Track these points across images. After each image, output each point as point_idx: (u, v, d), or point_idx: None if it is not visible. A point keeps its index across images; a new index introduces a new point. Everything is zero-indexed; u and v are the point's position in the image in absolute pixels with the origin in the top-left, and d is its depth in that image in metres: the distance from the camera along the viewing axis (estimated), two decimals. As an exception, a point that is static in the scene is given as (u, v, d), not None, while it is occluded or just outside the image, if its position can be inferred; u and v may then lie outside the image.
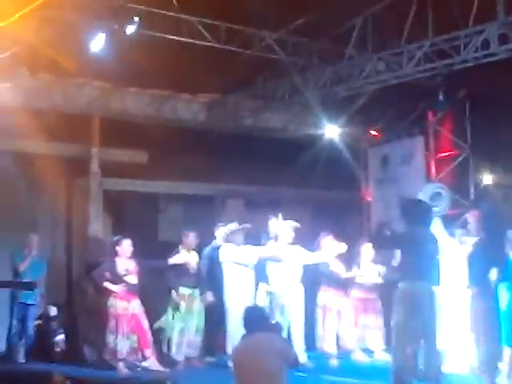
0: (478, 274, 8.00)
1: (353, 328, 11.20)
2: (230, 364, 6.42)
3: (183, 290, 10.78)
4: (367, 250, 11.21)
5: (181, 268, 10.79)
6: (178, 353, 10.63)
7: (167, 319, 10.78)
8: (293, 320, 10.38)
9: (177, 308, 10.73)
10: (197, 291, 10.86)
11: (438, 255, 7.65)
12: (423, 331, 7.33)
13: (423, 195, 10.40)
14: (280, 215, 10.55)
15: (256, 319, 6.48)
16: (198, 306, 10.86)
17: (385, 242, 8.10)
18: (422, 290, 7.35)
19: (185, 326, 10.72)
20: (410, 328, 7.29)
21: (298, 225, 10.60)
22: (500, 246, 8.26)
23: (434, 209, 9.13)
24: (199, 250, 11.06)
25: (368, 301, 11.32)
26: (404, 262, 7.64)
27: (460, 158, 12.91)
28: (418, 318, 7.28)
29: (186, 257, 10.84)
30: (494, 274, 8.10)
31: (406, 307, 7.32)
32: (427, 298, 7.40)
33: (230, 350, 10.23)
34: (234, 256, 10.54)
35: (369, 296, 11.31)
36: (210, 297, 10.93)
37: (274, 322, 7.67)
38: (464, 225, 8.70)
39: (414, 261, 7.41)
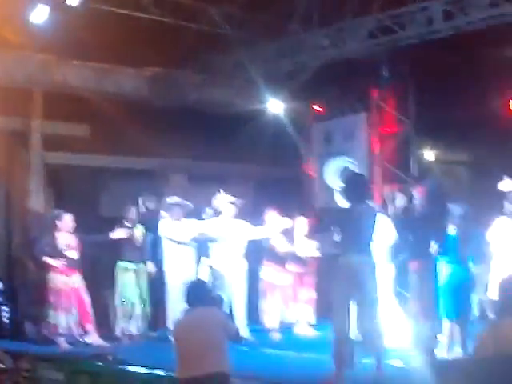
0: (419, 249, 8.08)
1: (293, 302, 11.26)
2: (172, 338, 6.40)
3: (128, 265, 10.74)
4: (302, 224, 11.20)
5: (125, 242, 10.75)
6: (123, 328, 10.60)
7: (113, 294, 10.75)
8: (235, 294, 10.41)
9: (123, 282, 10.70)
10: (142, 265, 10.83)
11: (376, 229, 7.70)
12: (363, 304, 7.38)
13: (328, 170, 10.41)
14: (221, 190, 10.55)
15: (198, 293, 6.45)
16: (143, 281, 10.83)
17: (326, 227, 8.16)
18: (361, 264, 7.40)
19: (130, 301, 10.68)
20: (350, 301, 7.36)
21: (239, 200, 10.61)
22: (441, 221, 8.36)
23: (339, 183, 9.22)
24: (146, 224, 11.01)
25: (303, 274, 11.36)
26: (344, 236, 7.69)
27: (403, 135, 13.00)
28: (357, 290, 7.34)
29: (130, 231, 10.80)
30: (433, 248, 8.22)
31: (346, 280, 7.36)
32: (367, 271, 7.45)
33: (170, 324, 10.25)
34: (169, 232, 10.53)
35: (304, 270, 11.33)
36: (151, 267, 10.93)
37: (214, 295, 7.66)
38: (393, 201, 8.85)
39: (354, 235, 7.46)
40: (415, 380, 6.89)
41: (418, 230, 8.09)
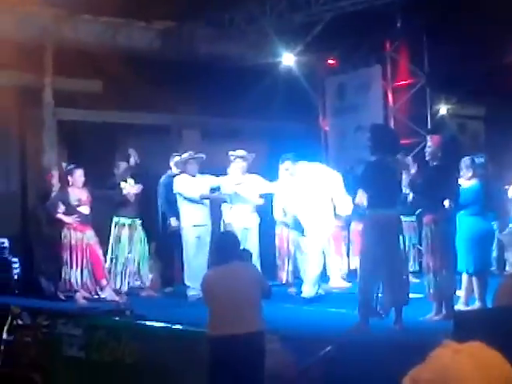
0: (433, 202, 8.02)
1: (334, 256, 11.22)
2: (195, 293, 6.26)
3: (123, 220, 10.71)
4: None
5: (119, 198, 10.72)
6: (122, 284, 10.59)
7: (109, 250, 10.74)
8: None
9: (118, 238, 10.68)
10: (137, 220, 10.78)
11: (402, 183, 7.67)
12: (389, 258, 7.38)
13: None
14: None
15: (230, 246, 6.26)
16: (139, 236, 10.79)
17: (355, 187, 8.11)
18: (388, 218, 7.38)
19: (126, 257, 10.66)
20: (377, 255, 7.35)
21: (250, 154, 10.56)
22: (455, 174, 8.29)
23: None
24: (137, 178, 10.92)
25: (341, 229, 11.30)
26: (370, 190, 7.64)
27: (417, 87, 12.87)
28: (384, 245, 7.33)
29: (124, 186, 10.75)
30: (447, 201, 8.16)
31: (373, 235, 7.36)
32: (393, 225, 7.44)
33: (187, 280, 10.25)
34: (185, 188, 10.49)
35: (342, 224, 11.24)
36: (174, 222, 10.89)
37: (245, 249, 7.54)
38: None
39: (380, 189, 7.42)
40: (434, 332, 6.89)
41: (431, 183, 8.00)
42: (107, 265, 10.56)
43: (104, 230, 10.87)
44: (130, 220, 10.74)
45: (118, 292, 10.43)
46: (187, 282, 10.30)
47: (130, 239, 10.69)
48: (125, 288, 10.59)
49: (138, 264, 10.70)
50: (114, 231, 10.72)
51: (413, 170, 8.05)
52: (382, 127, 8.16)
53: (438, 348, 1.79)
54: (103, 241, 10.66)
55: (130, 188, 10.76)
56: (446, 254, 7.88)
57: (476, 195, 8.27)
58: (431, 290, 7.94)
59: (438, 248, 7.87)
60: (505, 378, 1.74)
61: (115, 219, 10.77)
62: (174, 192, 10.67)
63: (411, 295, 8.94)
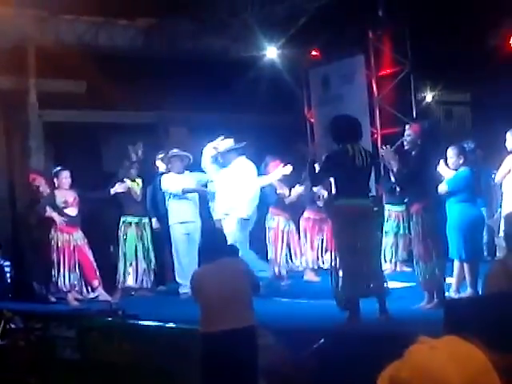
0: (417, 191, 8.02)
1: (308, 249, 11.24)
2: (186, 290, 6.29)
3: (129, 219, 10.72)
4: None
5: (125, 197, 10.72)
6: (129, 282, 10.62)
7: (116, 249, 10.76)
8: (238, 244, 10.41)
9: (125, 237, 10.69)
10: (144, 219, 10.82)
11: (369, 171, 7.64)
12: (362, 248, 7.35)
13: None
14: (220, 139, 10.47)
15: (217, 243, 6.35)
16: (146, 234, 10.81)
17: (318, 178, 8.11)
18: (357, 207, 7.36)
19: (134, 255, 10.68)
20: (352, 245, 7.33)
21: (239, 143, 10.56)
22: (435, 161, 8.27)
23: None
24: (144, 178, 10.98)
25: (322, 220, 11.31)
26: (337, 180, 7.64)
27: (401, 75, 12.86)
28: (358, 234, 7.30)
29: (129, 185, 10.75)
30: (442, 187, 8.16)
31: (345, 225, 7.33)
32: (364, 214, 7.42)
33: (178, 277, 10.25)
34: (171, 186, 10.49)
35: (322, 216, 11.23)
36: (155, 224, 10.93)
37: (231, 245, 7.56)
38: None
39: (346, 178, 7.40)
40: (424, 321, 6.91)
41: (413, 172, 7.99)
42: (120, 264, 10.58)
43: (102, 230, 10.91)
44: (137, 218, 10.75)
45: (123, 291, 10.41)
46: (178, 280, 10.31)
47: (137, 238, 10.69)
48: (133, 287, 10.60)
49: (146, 263, 10.72)
50: (121, 230, 10.73)
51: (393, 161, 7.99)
52: (341, 117, 8.10)
53: (414, 345, 1.79)
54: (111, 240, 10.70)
55: (135, 187, 10.79)
56: (434, 242, 7.88)
57: (466, 182, 8.27)
58: (422, 279, 7.96)
59: (427, 236, 7.88)
60: (482, 372, 1.74)
61: (122, 218, 10.78)
62: (162, 190, 10.68)
63: (403, 284, 8.99)
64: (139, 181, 10.89)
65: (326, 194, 10.62)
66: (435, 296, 7.85)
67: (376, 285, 7.42)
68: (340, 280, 7.44)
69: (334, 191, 7.95)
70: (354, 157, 7.40)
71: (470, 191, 8.32)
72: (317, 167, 7.90)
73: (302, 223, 11.30)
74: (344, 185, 7.46)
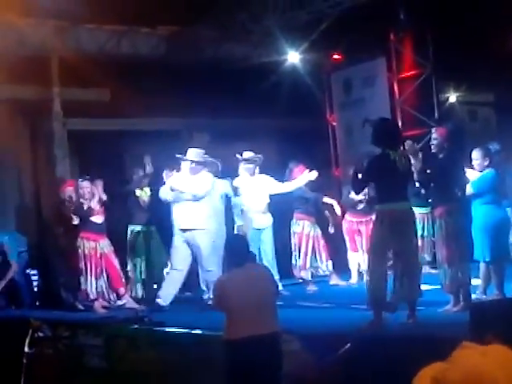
0: (443, 194, 8.00)
1: (350, 252, 11.26)
2: (217, 298, 6.27)
3: (138, 228, 10.74)
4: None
5: (133, 205, 10.76)
6: (144, 292, 10.60)
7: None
8: (262, 250, 10.44)
9: (133, 246, 10.73)
10: (151, 227, 10.80)
11: (409, 175, 7.64)
12: (401, 251, 7.39)
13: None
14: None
15: (242, 250, 6.34)
16: (155, 243, 10.79)
17: (362, 185, 8.08)
18: (397, 211, 7.37)
19: (142, 264, 10.69)
20: (387, 249, 7.37)
21: (257, 155, 10.58)
22: (462, 164, 8.24)
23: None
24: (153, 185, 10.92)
25: (362, 223, 11.28)
26: (378, 184, 7.65)
27: (422, 77, 12.83)
28: (395, 238, 7.33)
29: (139, 195, 10.79)
30: (468, 189, 8.13)
31: (383, 229, 7.35)
32: (404, 219, 7.43)
33: (203, 284, 10.23)
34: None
35: (363, 219, 11.19)
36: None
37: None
38: None
39: (388, 182, 7.41)
40: (451, 324, 6.89)
41: (439, 175, 7.98)
42: (129, 273, 10.62)
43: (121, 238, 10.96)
44: (145, 227, 10.79)
45: (137, 300, 10.48)
46: (203, 287, 10.33)
47: (146, 247, 10.74)
48: (150, 296, 10.56)
49: (159, 271, 10.75)
50: (129, 239, 10.79)
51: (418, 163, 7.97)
52: (384, 120, 8.11)
53: (460, 349, 1.84)
54: (121, 248, 10.74)
55: (143, 195, 10.83)
56: (457, 246, 7.83)
57: (491, 183, 8.23)
58: (447, 282, 7.92)
59: (449, 240, 7.85)
60: None
61: (130, 227, 10.83)
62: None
63: (429, 287, 8.95)
64: (147, 189, 10.90)
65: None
66: (461, 299, 7.82)
67: (411, 289, 7.42)
68: (373, 283, 7.45)
69: (374, 195, 7.95)
70: (395, 161, 7.42)
71: (495, 193, 8.28)
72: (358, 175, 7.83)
73: (344, 225, 11.33)
74: (386, 189, 7.47)
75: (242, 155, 10.66)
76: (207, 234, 9.74)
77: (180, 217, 9.80)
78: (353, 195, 10.80)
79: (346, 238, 11.34)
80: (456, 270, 7.77)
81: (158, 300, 9.85)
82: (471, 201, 8.21)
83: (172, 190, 9.78)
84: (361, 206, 11.11)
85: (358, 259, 11.15)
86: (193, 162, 9.86)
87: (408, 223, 7.48)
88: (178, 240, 9.85)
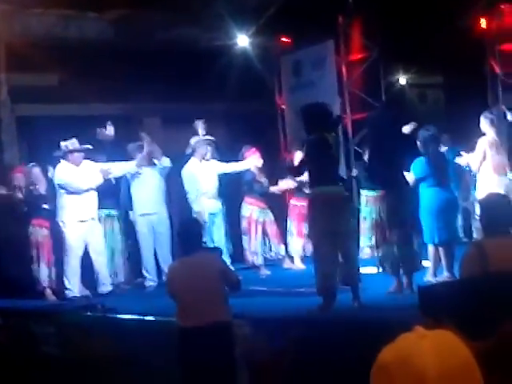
0: (381, 178, 8.08)
1: (295, 237, 11.28)
2: (167, 285, 6.29)
3: (100, 212, 10.67)
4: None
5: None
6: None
7: None
8: (217, 234, 10.46)
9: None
10: (113, 211, 10.75)
11: (339, 158, 7.67)
12: (336, 235, 7.37)
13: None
14: (200, 129, 10.49)
15: (194, 237, 6.32)
16: (112, 229, 10.76)
17: (301, 168, 8.10)
18: (331, 194, 7.39)
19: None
20: (327, 233, 7.35)
21: (213, 138, 10.60)
22: (396, 146, 8.23)
23: None
24: None
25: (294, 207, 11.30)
26: (310, 168, 7.65)
27: (370, 60, 12.89)
28: (333, 222, 7.33)
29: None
30: (409, 175, 8.24)
31: (321, 213, 7.36)
32: (337, 201, 7.44)
33: (145, 272, 10.25)
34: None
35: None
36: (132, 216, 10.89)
37: (215, 246, 7.65)
38: None
39: (322, 166, 7.44)
40: (399, 306, 6.98)
41: (373, 160, 8.06)
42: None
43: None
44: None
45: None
46: (147, 274, 10.39)
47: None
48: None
49: (118, 257, 10.70)
50: None
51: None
52: (313, 105, 8.03)
53: (406, 332, 1.81)
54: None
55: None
56: (403, 226, 7.91)
57: (429, 167, 8.36)
58: (391, 264, 7.99)
59: (385, 222, 7.94)
60: (463, 370, 1.75)
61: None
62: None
63: (374, 269, 9.04)
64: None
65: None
66: (404, 280, 7.87)
67: (349, 273, 7.47)
68: (316, 267, 7.49)
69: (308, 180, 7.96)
70: (331, 145, 7.44)
71: (437, 176, 8.38)
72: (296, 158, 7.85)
73: (290, 210, 11.34)
74: (319, 173, 7.48)
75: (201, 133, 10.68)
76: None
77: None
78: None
79: (293, 222, 11.34)
80: (400, 251, 7.83)
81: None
82: (417, 184, 8.34)
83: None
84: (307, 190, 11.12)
85: (303, 244, 11.19)
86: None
87: (341, 206, 7.47)
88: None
